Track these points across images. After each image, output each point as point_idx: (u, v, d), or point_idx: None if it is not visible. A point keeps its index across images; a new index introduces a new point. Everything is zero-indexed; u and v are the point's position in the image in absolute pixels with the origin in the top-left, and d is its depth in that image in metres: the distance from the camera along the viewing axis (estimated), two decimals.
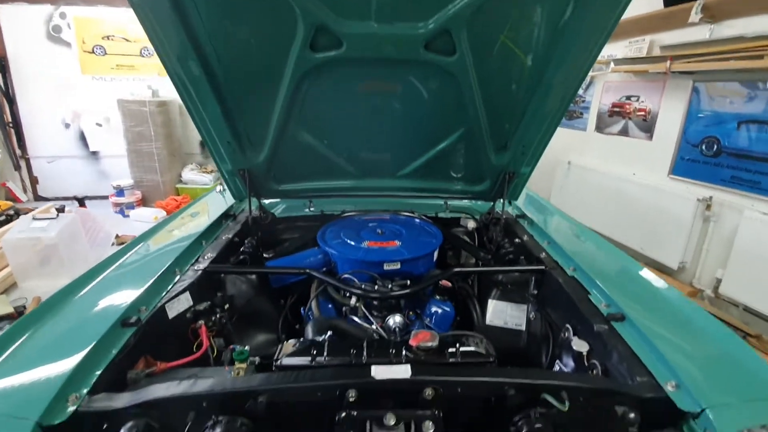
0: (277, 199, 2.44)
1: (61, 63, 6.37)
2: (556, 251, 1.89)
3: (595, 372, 1.28)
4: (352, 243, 1.88)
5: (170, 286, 1.51)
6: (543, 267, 1.77)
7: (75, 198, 6.19)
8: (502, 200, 2.24)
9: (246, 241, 2.01)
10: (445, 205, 2.50)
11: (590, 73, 4.38)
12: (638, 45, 4.29)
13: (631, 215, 4.37)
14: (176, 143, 6.68)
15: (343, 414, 1.00)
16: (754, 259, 3.28)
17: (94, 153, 6.80)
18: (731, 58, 3.34)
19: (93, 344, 1.14)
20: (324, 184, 2.24)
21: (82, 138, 6.71)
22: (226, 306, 1.62)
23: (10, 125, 6.38)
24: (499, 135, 1.98)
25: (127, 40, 6.49)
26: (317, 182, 2.23)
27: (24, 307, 3.53)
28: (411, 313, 1.76)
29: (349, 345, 1.24)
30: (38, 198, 6.74)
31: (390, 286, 1.68)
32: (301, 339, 1.36)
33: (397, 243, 1.88)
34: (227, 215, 2.25)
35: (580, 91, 4.97)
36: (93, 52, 6.45)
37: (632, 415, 1.05)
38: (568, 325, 1.48)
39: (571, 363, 1.42)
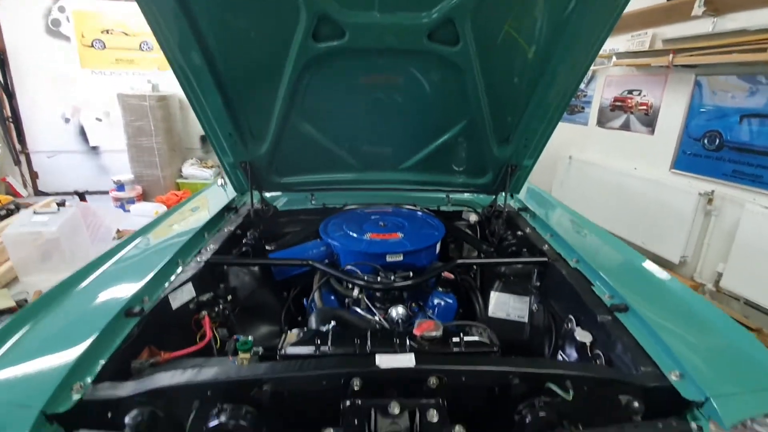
0: (279, 193, 2.44)
1: (60, 57, 6.33)
2: (558, 243, 1.89)
3: (598, 362, 1.28)
4: (355, 235, 1.87)
5: (173, 277, 1.50)
6: (546, 259, 1.76)
7: (75, 192, 6.18)
8: (504, 193, 2.24)
9: (248, 234, 2.00)
10: (446, 198, 2.50)
11: (592, 67, 4.38)
12: (640, 39, 4.26)
13: (632, 210, 4.37)
14: (176, 138, 6.66)
15: (348, 402, 1.01)
16: (756, 253, 3.28)
17: (94, 148, 6.78)
18: (734, 52, 3.32)
19: (97, 334, 1.14)
20: (326, 177, 2.23)
21: (82, 133, 6.69)
22: (229, 297, 1.62)
23: (10, 120, 6.35)
24: (502, 127, 1.97)
25: (126, 34, 6.45)
26: (319, 175, 2.23)
27: (25, 301, 3.53)
28: (414, 305, 1.76)
29: (353, 335, 1.24)
30: (38, 193, 6.72)
31: (393, 277, 1.68)
32: (305, 329, 1.36)
33: (400, 235, 1.88)
34: (229, 208, 2.25)
35: (582, 86, 4.94)
36: (92, 46, 6.41)
37: (636, 404, 1.05)
38: (571, 316, 1.48)
39: (574, 354, 1.42)
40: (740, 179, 3.52)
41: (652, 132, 4.33)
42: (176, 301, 1.43)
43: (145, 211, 5.65)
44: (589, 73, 4.91)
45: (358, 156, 2.14)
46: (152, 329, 1.29)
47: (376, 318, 1.60)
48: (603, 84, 4.96)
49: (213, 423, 0.96)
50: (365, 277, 1.67)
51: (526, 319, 1.80)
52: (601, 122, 5.03)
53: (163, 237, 1.86)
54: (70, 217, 3.99)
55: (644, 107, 4.40)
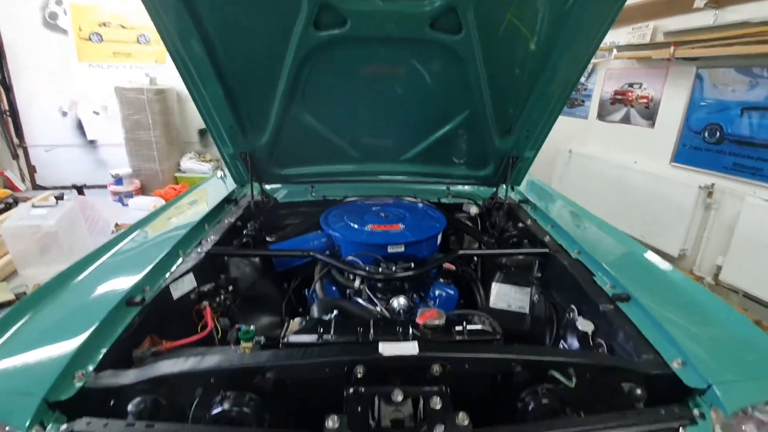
0: (279, 185, 2.43)
1: (57, 50, 6.27)
2: (560, 235, 1.89)
3: (600, 351, 1.29)
4: (356, 226, 1.87)
5: (174, 268, 1.50)
6: (547, 250, 1.76)
7: (74, 186, 6.15)
8: (505, 185, 2.24)
9: (249, 225, 2.00)
10: (447, 190, 2.49)
11: (592, 60, 4.37)
12: (641, 31, 4.25)
13: (632, 203, 4.37)
14: (174, 132, 6.63)
15: (351, 390, 1.00)
16: (755, 246, 3.29)
17: (92, 142, 6.74)
18: (736, 44, 3.31)
19: (98, 323, 1.14)
20: (326, 169, 2.22)
21: (80, 126, 6.65)
22: (230, 288, 1.62)
23: (7, 113, 6.30)
24: (504, 118, 1.96)
25: (123, 27, 6.40)
26: (319, 166, 2.22)
27: (24, 294, 3.52)
28: (415, 296, 1.76)
29: (356, 324, 1.24)
30: (36, 187, 6.69)
31: (394, 268, 1.67)
32: (307, 318, 1.35)
33: (401, 226, 1.88)
34: (229, 200, 2.24)
35: (582, 79, 4.93)
36: (89, 39, 6.36)
37: (639, 391, 1.05)
38: (573, 306, 1.48)
39: (575, 344, 1.43)
40: (740, 172, 3.52)
41: (653, 125, 4.33)
42: (177, 291, 1.43)
43: (144, 205, 5.62)
44: (590, 66, 4.88)
45: (358, 147, 2.13)
46: (153, 319, 1.28)
47: (378, 309, 1.60)
48: (603, 77, 4.94)
49: (216, 410, 0.96)
50: (366, 268, 1.66)
51: (527, 310, 1.80)
52: (602, 116, 5.02)
53: (162, 229, 1.85)
54: (69, 211, 3.97)
55: (645, 100, 4.39)
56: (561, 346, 1.51)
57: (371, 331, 1.20)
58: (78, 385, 0.98)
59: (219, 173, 2.62)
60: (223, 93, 1.69)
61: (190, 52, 1.53)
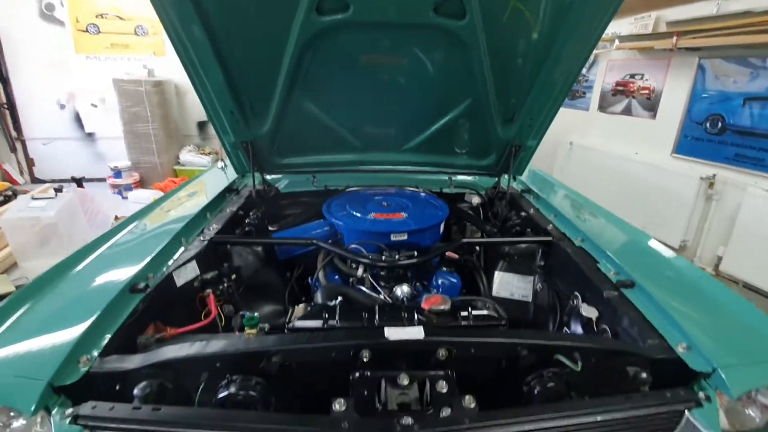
0: (280, 175, 2.41)
1: (54, 42, 6.21)
2: (563, 223, 1.88)
3: (605, 336, 1.29)
4: (359, 215, 1.86)
5: (176, 256, 1.49)
6: (550, 238, 1.76)
7: (73, 178, 6.13)
8: (507, 175, 2.23)
9: (251, 214, 1.99)
10: (449, 180, 2.48)
11: (594, 51, 4.32)
12: (644, 21, 4.22)
13: (633, 195, 4.37)
14: (173, 124, 6.58)
15: (357, 374, 1.00)
16: (756, 237, 3.30)
17: (90, 134, 6.70)
18: (739, 33, 3.28)
19: (102, 309, 1.13)
20: (328, 158, 2.21)
21: (78, 119, 6.60)
22: (233, 276, 1.61)
23: (5, 106, 6.26)
24: (507, 106, 1.95)
25: (121, 18, 6.34)
26: (321, 156, 2.20)
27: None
28: (418, 284, 1.75)
29: (361, 309, 1.23)
30: (35, 180, 6.66)
31: (397, 256, 1.67)
32: (313, 304, 1.35)
33: (404, 215, 1.87)
34: (230, 189, 2.23)
35: (584, 70, 4.90)
36: (87, 30, 6.30)
37: (644, 375, 1.06)
38: (576, 293, 1.48)
39: (579, 330, 1.43)
40: (742, 163, 3.52)
41: (654, 116, 4.31)
42: (180, 279, 1.42)
43: (143, 198, 5.60)
44: (591, 57, 4.85)
45: (360, 136, 2.11)
46: (157, 306, 1.28)
47: (381, 296, 1.60)
48: (605, 68, 4.92)
49: (222, 394, 0.96)
50: (370, 256, 1.66)
51: (530, 299, 1.80)
52: (603, 107, 5.00)
53: (163, 218, 1.84)
54: (68, 203, 3.95)
55: (646, 91, 4.37)
56: (565, 332, 1.51)
57: (376, 316, 1.20)
58: (83, 369, 0.98)
59: (219, 163, 2.60)
60: (225, 80, 1.67)
61: (191, 38, 1.51)
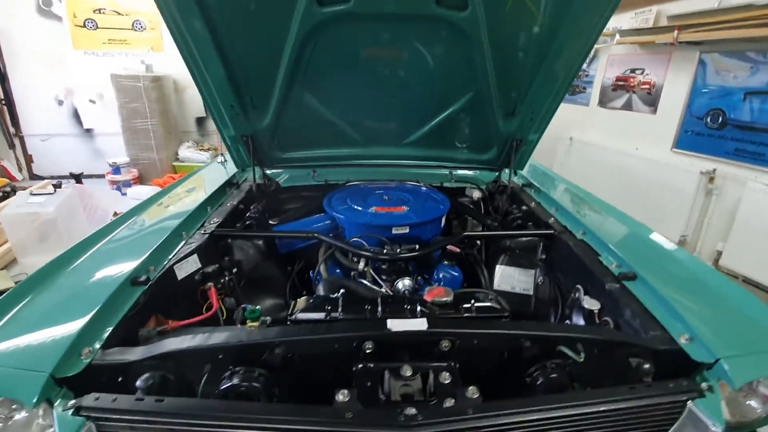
0: (280, 170, 2.41)
1: (52, 38, 6.17)
2: (564, 217, 1.88)
3: (607, 328, 1.29)
4: (360, 208, 1.86)
5: (177, 249, 1.49)
6: (552, 231, 1.76)
7: (71, 175, 6.11)
8: (508, 169, 2.22)
9: (252, 207, 1.98)
10: (450, 175, 2.48)
11: (594, 46, 4.30)
12: (644, 16, 4.20)
13: (633, 190, 4.36)
14: (172, 120, 6.55)
15: (360, 366, 1.00)
16: (756, 231, 3.30)
17: (89, 130, 6.67)
18: (740, 27, 3.27)
19: (103, 302, 1.13)
20: (328, 152, 2.20)
21: (76, 115, 6.57)
22: (234, 270, 1.61)
23: (3, 102, 6.22)
24: (508, 100, 1.94)
25: (118, 14, 6.30)
26: (321, 150, 2.20)
27: None
28: (419, 278, 1.75)
29: (363, 301, 1.23)
30: (33, 177, 6.63)
31: (398, 250, 1.67)
32: (315, 296, 1.35)
33: (405, 208, 1.87)
34: (230, 183, 2.22)
35: (584, 65, 4.88)
36: (84, 26, 6.26)
37: (647, 365, 1.06)
38: (578, 286, 1.48)
39: (581, 322, 1.42)
40: (743, 157, 3.52)
41: (655, 111, 4.31)
42: (181, 272, 1.42)
43: (142, 195, 5.56)
44: (592, 52, 4.84)
45: (361, 130, 2.10)
46: (158, 299, 1.28)
47: (383, 290, 1.60)
48: (605, 63, 4.91)
49: (225, 385, 0.96)
50: (371, 249, 1.66)
51: (531, 292, 1.79)
52: (603, 102, 4.99)
53: (162, 212, 1.84)
54: (67, 198, 3.94)
55: (647, 86, 4.36)
56: (567, 324, 1.51)
57: (379, 308, 1.20)
58: (85, 361, 0.97)
59: (219, 158, 2.59)
60: (225, 73, 1.66)
61: (192, 31, 1.50)
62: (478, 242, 2.03)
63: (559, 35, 1.63)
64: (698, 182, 3.72)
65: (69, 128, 6.62)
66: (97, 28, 6.31)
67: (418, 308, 1.20)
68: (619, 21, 4.50)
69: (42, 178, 6.44)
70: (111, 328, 1.08)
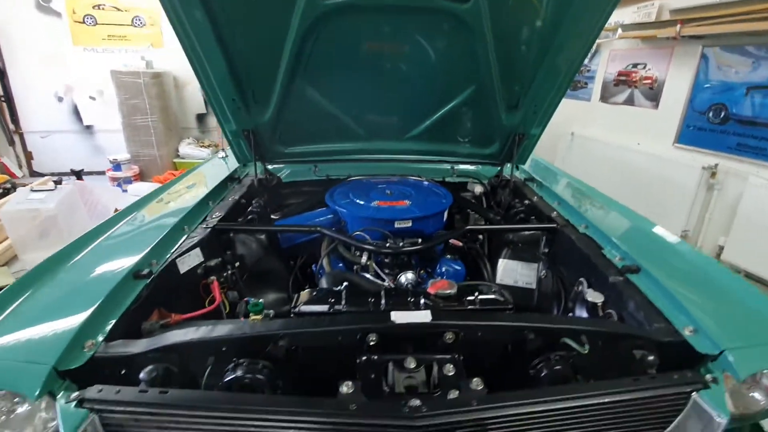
0: (282, 165, 2.40)
1: (51, 34, 6.15)
2: (567, 210, 1.87)
3: (611, 320, 1.28)
4: (362, 202, 1.85)
5: (180, 243, 1.48)
6: (555, 225, 1.75)
7: (72, 171, 6.10)
8: (510, 164, 2.22)
9: (254, 202, 1.98)
10: (451, 170, 2.47)
11: (596, 41, 4.27)
12: (647, 10, 4.18)
13: (634, 185, 4.35)
14: (172, 117, 6.54)
15: (364, 358, 1.00)
16: (758, 226, 3.29)
17: (89, 127, 6.66)
18: (743, 21, 3.26)
19: (106, 294, 1.13)
20: (330, 147, 2.19)
21: (76, 112, 6.55)
22: (237, 264, 1.61)
23: (2, 99, 6.21)
24: (511, 93, 1.93)
25: (118, 9, 6.27)
26: (323, 145, 2.19)
27: None
28: (422, 271, 1.75)
29: (367, 294, 1.23)
30: (33, 174, 6.62)
31: (401, 243, 1.66)
32: (318, 288, 1.35)
33: (407, 202, 1.86)
34: (232, 178, 2.21)
35: (586, 61, 4.87)
36: (83, 22, 6.23)
37: (651, 357, 1.05)
38: (582, 279, 1.47)
39: (584, 315, 1.42)
40: (744, 152, 3.50)
41: (657, 106, 4.29)
42: (184, 266, 1.41)
43: (143, 191, 5.53)
44: (593, 47, 4.83)
45: (363, 124, 2.10)
46: (161, 292, 1.27)
47: (386, 283, 1.59)
48: (607, 58, 4.88)
49: (229, 377, 0.95)
50: (374, 243, 1.65)
51: (534, 286, 1.79)
52: (605, 97, 4.97)
53: (164, 207, 1.83)
54: (68, 195, 3.93)
55: (649, 81, 4.34)
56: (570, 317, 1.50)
57: (383, 300, 1.20)
58: (88, 354, 0.97)
59: (221, 153, 2.58)
60: (226, 65, 1.65)
61: (193, 23, 1.49)
62: (481, 236, 2.02)
63: (562, 28, 1.62)
64: (700, 177, 3.71)
65: (69, 125, 6.61)
66: (97, 24, 6.29)
67: (422, 301, 1.20)
68: (622, 15, 4.48)
69: (42, 175, 6.44)
70: (114, 321, 1.08)
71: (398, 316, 1.04)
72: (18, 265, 3.79)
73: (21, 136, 6.49)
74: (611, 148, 4.70)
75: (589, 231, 1.66)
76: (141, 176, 6.25)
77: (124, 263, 1.28)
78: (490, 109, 1.96)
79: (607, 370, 1.06)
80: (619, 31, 4.50)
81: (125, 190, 5.93)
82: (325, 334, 1.03)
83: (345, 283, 1.33)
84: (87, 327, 1.03)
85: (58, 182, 4.23)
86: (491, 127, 2.08)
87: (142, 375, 0.95)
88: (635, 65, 4.50)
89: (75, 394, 0.89)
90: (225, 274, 1.51)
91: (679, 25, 3.68)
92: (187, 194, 2.00)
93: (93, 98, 6.49)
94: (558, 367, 1.03)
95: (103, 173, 6.28)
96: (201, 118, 6.99)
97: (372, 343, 1.01)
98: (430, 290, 1.20)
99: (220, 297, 1.39)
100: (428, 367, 0.99)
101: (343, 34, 1.65)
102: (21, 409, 0.94)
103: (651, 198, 4.20)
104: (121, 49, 6.45)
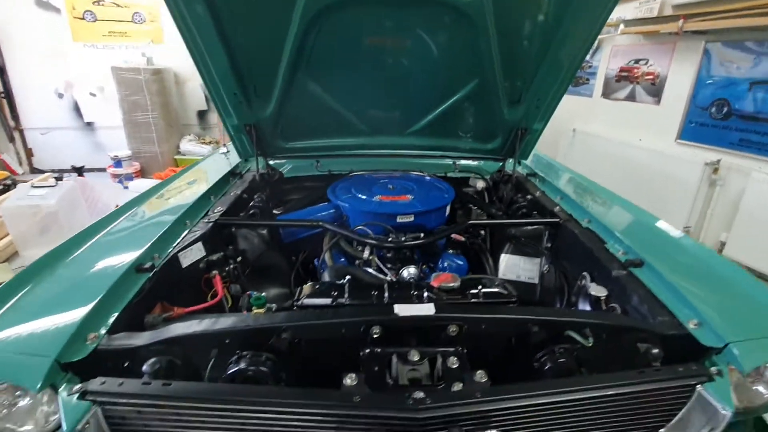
0: (283, 160, 2.39)
1: (51, 30, 6.13)
2: (569, 205, 1.87)
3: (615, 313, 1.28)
4: (364, 197, 1.85)
5: (182, 237, 1.48)
6: (558, 220, 1.75)
7: (73, 168, 6.09)
8: (512, 159, 2.21)
9: (255, 197, 1.97)
10: (453, 165, 2.46)
11: (598, 37, 4.24)
12: (649, 5, 4.15)
13: (636, 181, 4.34)
14: (173, 113, 6.53)
15: (367, 350, 1.00)
16: (761, 222, 3.29)
17: (89, 124, 6.65)
18: (746, 16, 3.24)
19: (108, 288, 1.12)
20: (331, 142, 2.19)
21: (76, 109, 6.54)
22: (239, 258, 1.60)
23: (2, 95, 6.20)
24: (513, 87, 1.92)
25: (118, 5, 6.25)
26: (325, 140, 2.18)
27: None
28: (424, 266, 1.75)
29: (370, 287, 1.22)
30: (34, 170, 6.62)
31: (403, 238, 1.66)
32: (321, 281, 1.34)
33: (410, 197, 1.86)
34: (233, 174, 2.21)
35: (587, 57, 4.85)
36: (83, 18, 6.21)
37: (655, 350, 1.05)
38: (585, 273, 1.47)
39: (588, 309, 1.42)
40: (747, 148, 3.49)
41: (659, 102, 4.27)
42: (186, 260, 1.41)
43: (144, 188, 5.54)
44: (595, 43, 4.81)
45: (364, 119, 2.09)
46: (163, 286, 1.27)
47: (388, 278, 1.59)
48: (609, 54, 4.86)
49: (233, 369, 0.95)
50: (376, 237, 1.65)
51: (536, 281, 1.79)
52: (606, 94, 4.96)
53: (165, 202, 1.83)
54: (69, 191, 3.93)
55: (651, 77, 4.32)
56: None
57: (386, 293, 1.19)
58: (91, 346, 0.97)
59: (222, 148, 2.57)
60: (228, 59, 1.64)
61: (194, 16, 1.48)
62: (483, 232, 2.02)
63: (565, 21, 1.61)
64: (702, 173, 3.70)
65: (69, 121, 6.60)
66: (97, 20, 6.27)
67: (425, 294, 1.20)
68: (624, 11, 4.46)
69: (42, 171, 6.43)
70: (116, 314, 1.08)
71: (402, 309, 1.04)
72: (19, 261, 3.79)
73: (21, 132, 6.48)
74: (613, 144, 4.69)
75: (592, 225, 1.66)
76: (142, 173, 6.25)
77: (126, 257, 1.27)
78: (492, 103, 1.96)
79: (611, 363, 1.06)
80: (621, 26, 4.47)
81: (126, 187, 5.93)
82: (329, 327, 1.02)
83: (348, 277, 1.33)
84: (89, 320, 1.02)
85: (59, 178, 4.22)
86: (493, 121, 2.07)
87: (145, 367, 0.95)
88: (637, 61, 4.48)
89: (77, 387, 0.89)
90: (227, 269, 1.51)
91: (681, 21, 3.66)
92: (189, 189, 1.99)
93: (93, 95, 6.48)
94: (562, 360, 1.02)
95: (104, 170, 6.27)
96: (202, 114, 6.98)
97: (375, 336, 1.01)
98: (434, 283, 1.20)
99: (223, 291, 1.38)
100: (432, 360, 0.99)
101: (345, 28, 1.63)
102: (23, 403, 0.94)
103: (653, 194, 4.19)
104: (121, 45, 6.43)
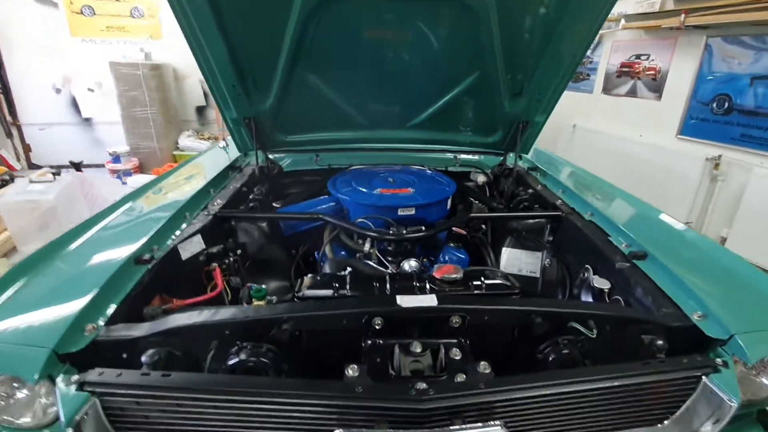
0: (283, 154, 2.37)
1: (48, 25, 6.09)
2: (571, 198, 1.86)
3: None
4: (365, 190, 1.83)
5: (181, 229, 1.46)
6: (560, 213, 1.74)
7: (71, 163, 6.06)
8: (513, 153, 2.19)
9: (255, 190, 1.96)
10: (454, 159, 2.45)
11: (599, 32, 4.22)
12: (650, 0, 4.13)
13: (637, 177, 4.32)
14: (172, 109, 6.50)
15: (369, 342, 0.99)
16: (762, 217, 3.28)
17: (87, 119, 6.61)
18: (748, 10, 3.22)
19: (107, 279, 1.11)
20: (331, 135, 2.17)
21: (74, 104, 6.51)
22: (239, 252, 1.59)
23: (0, 91, 6.16)
24: (515, 80, 1.91)
25: (116, 0, 6.21)
26: (324, 133, 2.16)
27: None
28: (425, 259, 1.73)
29: (371, 279, 1.21)
30: (32, 166, 6.58)
31: (404, 231, 1.64)
32: (322, 273, 1.33)
33: (410, 190, 1.85)
34: (233, 167, 2.19)
35: (588, 52, 4.82)
36: (81, 12, 6.17)
37: (660, 342, 1.04)
38: (587, 266, 1.46)
39: (591, 301, 1.41)
40: (748, 143, 3.48)
41: (659, 98, 4.26)
42: (186, 252, 1.40)
43: (143, 184, 5.55)
44: (596, 38, 4.78)
45: (364, 113, 2.07)
46: (162, 278, 1.26)
47: (389, 271, 1.58)
48: (610, 49, 4.84)
49: (233, 360, 0.94)
50: (377, 230, 1.63)
51: (538, 274, 1.78)
52: (607, 89, 4.94)
53: (165, 195, 1.81)
54: (67, 186, 3.91)
55: (652, 72, 4.31)
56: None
57: (388, 285, 1.18)
58: (89, 337, 0.95)
59: (222, 142, 2.56)
60: (227, 51, 1.62)
61: (194, 8, 1.46)
62: (484, 225, 2.00)
63: (567, 14, 1.59)
64: (703, 168, 3.69)
65: (67, 117, 6.56)
66: (95, 14, 6.23)
67: (428, 285, 1.18)
68: (625, 6, 4.44)
69: (40, 167, 6.39)
70: (115, 306, 1.07)
71: (404, 300, 1.03)
72: (17, 256, 3.77)
73: (19, 128, 6.45)
74: (614, 140, 4.67)
75: (594, 218, 1.65)
76: (140, 168, 6.22)
77: (125, 249, 1.26)
78: (493, 96, 1.94)
79: (616, 355, 1.05)
80: (622, 21, 4.45)
81: (125, 183, 5.90)
82: (330, 318, 1.01)
83: (349, 269, 1.32)
84: (88, 311, 1.01)
85: (57, 174, 4.20)
86: (494, 115, 2.06)
87: (144, 358, 0.93)
88: (638, 56, 4.46)
89: (75, 377, 0.87)
90: (227, 262, 1.49)
91: (683, 15, 3.64)
92: (188, 183, 1.97)
93: (91, 90, 6.43)
94: (566, 351, 1.01)
95: (102, 166, 6.24)
96: (201, 110, 6.95)
97: (377, 327, 0.99)
98: (436, 274, 1.19)
99: (223, 283, 1.37)
100: (434, 352, 0.98)
101: (345, 21, 1.62)
102: (20, 395, 0.93)
103: (654, 190, 4.17)
104: (119, 40, 6.39)
